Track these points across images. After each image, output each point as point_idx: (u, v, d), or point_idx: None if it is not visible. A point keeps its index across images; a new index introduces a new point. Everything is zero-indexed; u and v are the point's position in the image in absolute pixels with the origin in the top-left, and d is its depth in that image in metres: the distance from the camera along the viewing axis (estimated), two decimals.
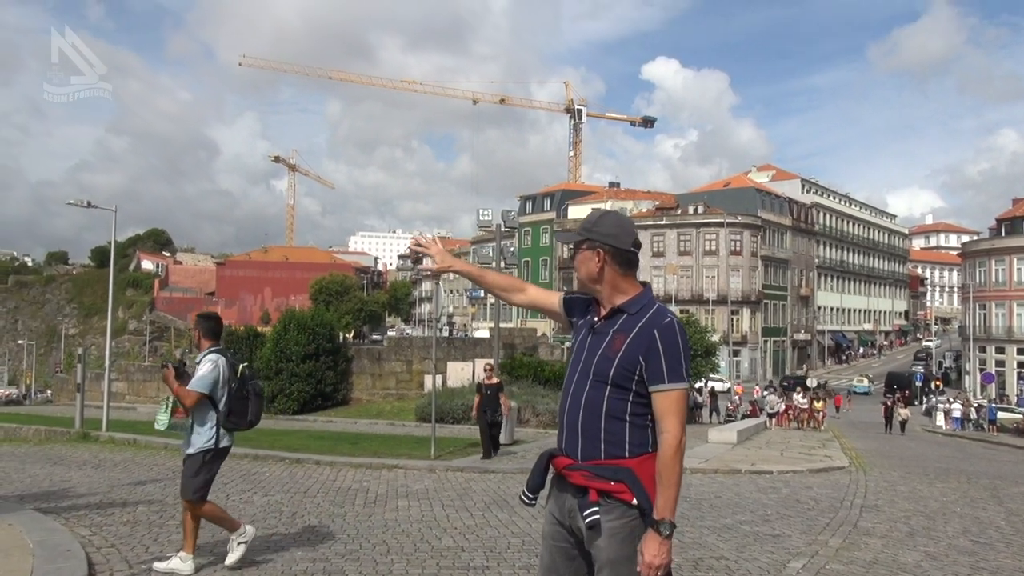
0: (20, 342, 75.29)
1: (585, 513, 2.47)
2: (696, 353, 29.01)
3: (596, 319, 2.65)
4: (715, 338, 40.18)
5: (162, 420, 5.42)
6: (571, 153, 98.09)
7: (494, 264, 20.88)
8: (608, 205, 69.17)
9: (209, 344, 5.33)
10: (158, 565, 5.29)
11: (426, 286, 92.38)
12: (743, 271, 63.60)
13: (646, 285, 2.68)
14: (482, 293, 67.11)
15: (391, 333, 65.79)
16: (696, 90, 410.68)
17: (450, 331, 75.72)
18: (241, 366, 5.31)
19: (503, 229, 20.72)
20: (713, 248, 63.44)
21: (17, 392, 55.85)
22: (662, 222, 64.64)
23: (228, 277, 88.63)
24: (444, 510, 8.24)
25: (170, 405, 5.39)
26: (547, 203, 71.44)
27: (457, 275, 3.11)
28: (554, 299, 2.91)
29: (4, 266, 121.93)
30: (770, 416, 29.92)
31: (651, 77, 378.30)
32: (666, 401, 2.46)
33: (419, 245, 3.05)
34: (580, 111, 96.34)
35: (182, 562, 5.26)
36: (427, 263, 3.00)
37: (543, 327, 65.36)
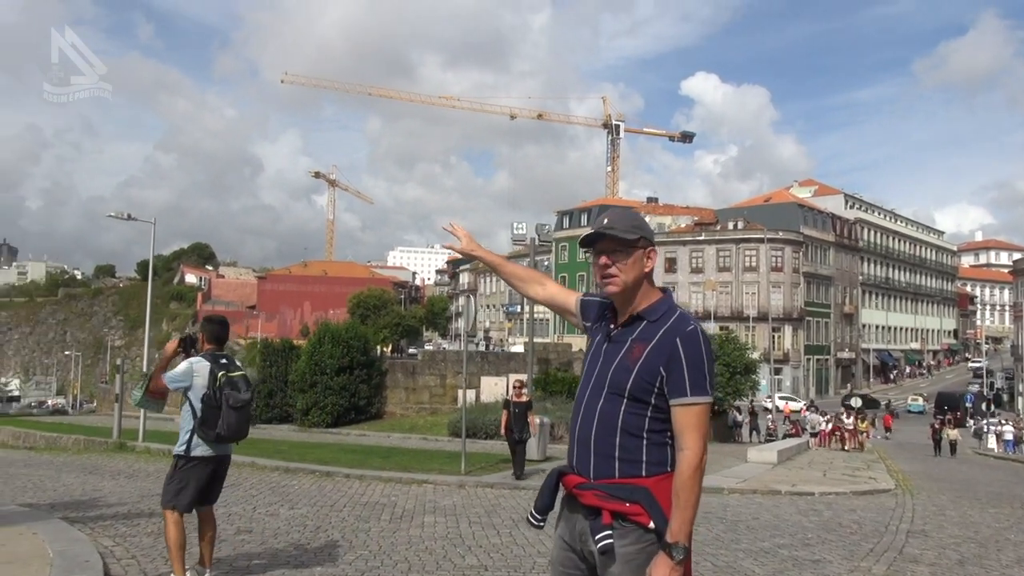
0: (67, 353, 77.18)
1: (597, 537, 2.27)
2: (735, 371, 28.43)
3: (613, 326, 2.46)
4: (755, 355, 39.41)
5: (136, 395, 5.38)
6: (609, 168, 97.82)
7: None
8: (647, 220, 68.64)
9: (209, 348, 5.12)
10: None
11: (462, 300, 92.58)
12: (784, 288, 62.45)
13: (666, 291, 2.49)
14: (519, 308, 66.94)
15: (428, 347, 65.91)
16: (736, 105, 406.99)
17: (486, 346, 75.65)
18: (220, 374, 4.94)
19: (537, 243, 20.51)
20: (753, 264, 62.44)
21: (64, 402, 57.11)
22: (701, 238, 63.89)
23: (269, 291, 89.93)
24: (471, 527, 8.05)
25: (146, 382, 5.29)
26: (584, 218, 71.03)
27: (482, 263, 2.96)
28: (571, 299, 2.72)
29: (54, 279, 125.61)
30: (812, 435, 29.15)
31: (690, 92, 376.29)
32: (687, 416, 2.26)
33: (451, 227, 2.98)
34: (618, 126, 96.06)
35: None
36: (454, 244, 2.92)
37: (579, 343, 65.06)
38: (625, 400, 2.31)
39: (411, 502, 9.74)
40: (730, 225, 64.85)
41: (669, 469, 2.29)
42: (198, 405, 4.91)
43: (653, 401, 2.30)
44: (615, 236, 2.41)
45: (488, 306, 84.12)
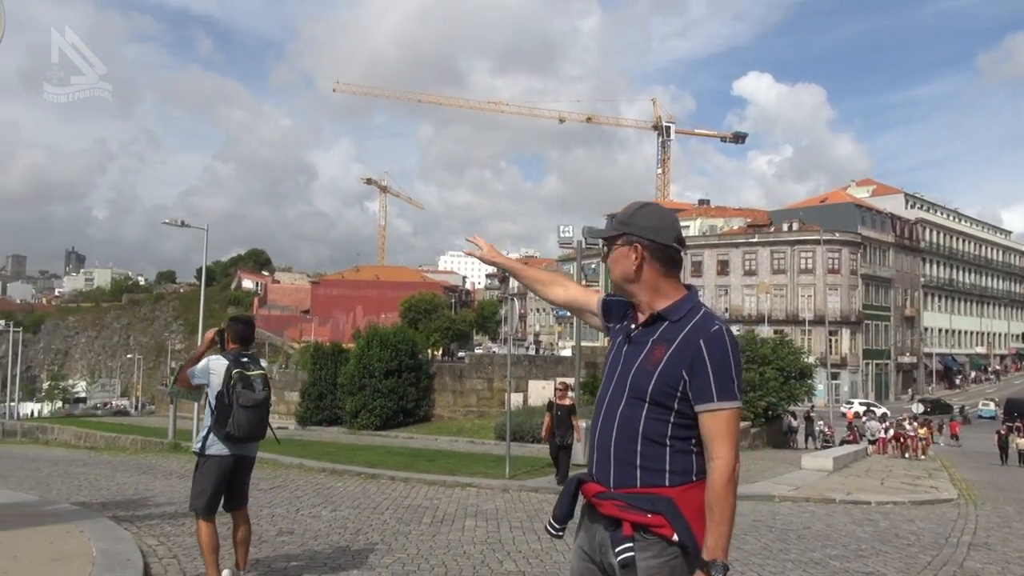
0: (129, 356, 79.72)
1: (618, 549, 2.16)
2: (789, 375, 27.71)
3: (633, 326, 2.34)
4: (811, 360, 38.39)
5: (174, 386, 5.57)
6: (659, 171, 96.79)
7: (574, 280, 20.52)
8: (698, 223, 67.76)
9: (234, 347, 5.08)
10: None
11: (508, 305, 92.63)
12: (842, 290, 60.80)
13: (691, 288, 2.36)
14: (568, 312, 66.57)
15: (478, 351, 66.13)
16: (790, 104, 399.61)
17: (536, 349, 75.45)
18: (235, 372, 4.89)
19: (584, 246, 20.32)
20: (809, 266, 60.95)
21: (127, 403, 58.95)
22: (754, 239, 62.68)
23: (322, 296, 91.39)
24: (511, 532, 7.95)
25: (178, 372, 5.39)
26: None
27: (503, 269, 2.96)
28: (593, 300, 2.60)
29: (119, 285, 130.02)
30: (871, 442, 28.24)
31: (743, 92, 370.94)
32: (715, 422, 2.13)
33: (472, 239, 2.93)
34: (668, 128, 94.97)
35: None
36: (474, 251, 2.86)
37: None
38: (647, 405, 2.20)
39: (453, 505, 9.69)
40: (784, 227, 63.47)
41: (695, 479, 2.17)
42: (213, 403, 4.91)
43: (676, 406, 2.18)
44: (600, 236, 2.38)
45: (537, 310, 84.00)
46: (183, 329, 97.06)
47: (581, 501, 2.34)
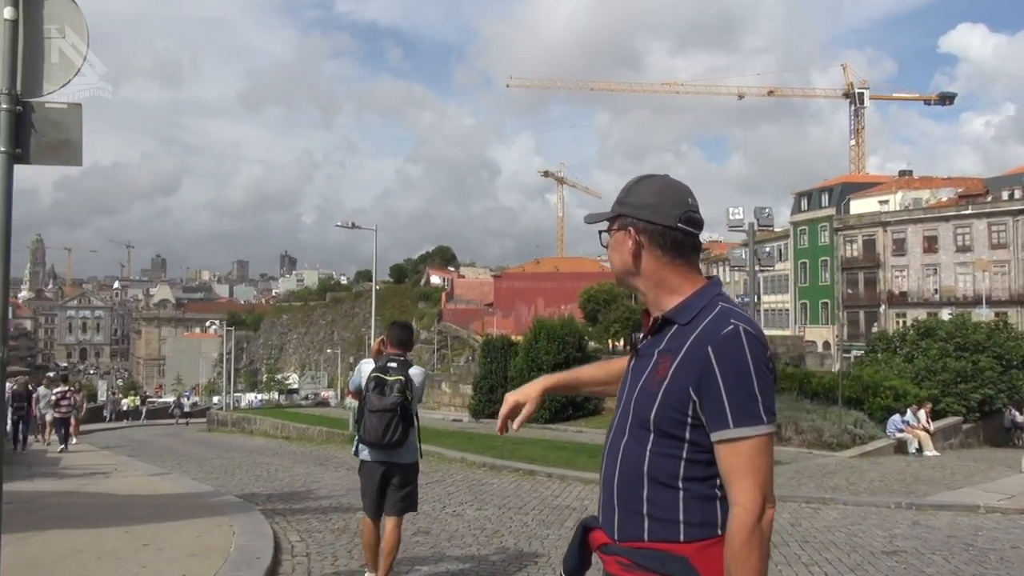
0: (328, 351, 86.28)
1: None
2: (1011, 364, 24.36)
3: (641, 335, 1.87)
4: None
5: (347, 399, 5.77)
6: (852, 142, 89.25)
7: (747, 268, 19.23)
8: (899, 196, 61.79)
9: (392, 351, 5.01)
10: None
11: None
12: None
13: (712, 279, 1.83)
14: (755, 298, 63.36)
15: None
16: (1011, 57, 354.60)
17: None
18: (373, 375, 4.83)
19: (757, 228, 18.94)
20: None
21: (329, 394, 63.82)
22: (967, 211, 56.00)
23: (504, 289, 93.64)
24: None
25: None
26: (825, 198, 65.49)
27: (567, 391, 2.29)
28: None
29: (323, 284, 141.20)
30: None
31: (952, 49, 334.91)
32: (733, 456, 1.62)
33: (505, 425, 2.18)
34: (861, 95, 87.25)
35: None
36: (518, 423, 2.14)
37: (823, 333, 60.02)
38: (652, 436, 1.71)
39: None
40: (1004, 195, 56.18)
41: (719, 532, 1.65)
42: (357, 406, 4.97)
43: (688, 436, 1.68)
44: (596, 220, 1.90)
45: None
46: (379, 324, 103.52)
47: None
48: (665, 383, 1.69)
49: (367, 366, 4.95)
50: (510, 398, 2.14)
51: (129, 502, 8.24)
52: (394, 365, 4.86)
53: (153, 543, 5.96)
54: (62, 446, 15.81)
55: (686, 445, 1.68)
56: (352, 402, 5.42)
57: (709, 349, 1.65)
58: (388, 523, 5.01)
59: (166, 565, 5.35)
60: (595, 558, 1.90)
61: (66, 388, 16.42)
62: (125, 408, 46.15)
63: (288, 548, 6.38)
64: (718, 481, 1.67)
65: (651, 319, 1.83)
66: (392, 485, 4.95)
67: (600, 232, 1.92)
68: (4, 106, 3.82)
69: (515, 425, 2.13)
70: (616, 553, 1.74)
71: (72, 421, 17.67)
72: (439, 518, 8.16)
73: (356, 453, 5.01)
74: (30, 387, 16.67)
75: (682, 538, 1.66)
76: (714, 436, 1.64)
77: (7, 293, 3.88)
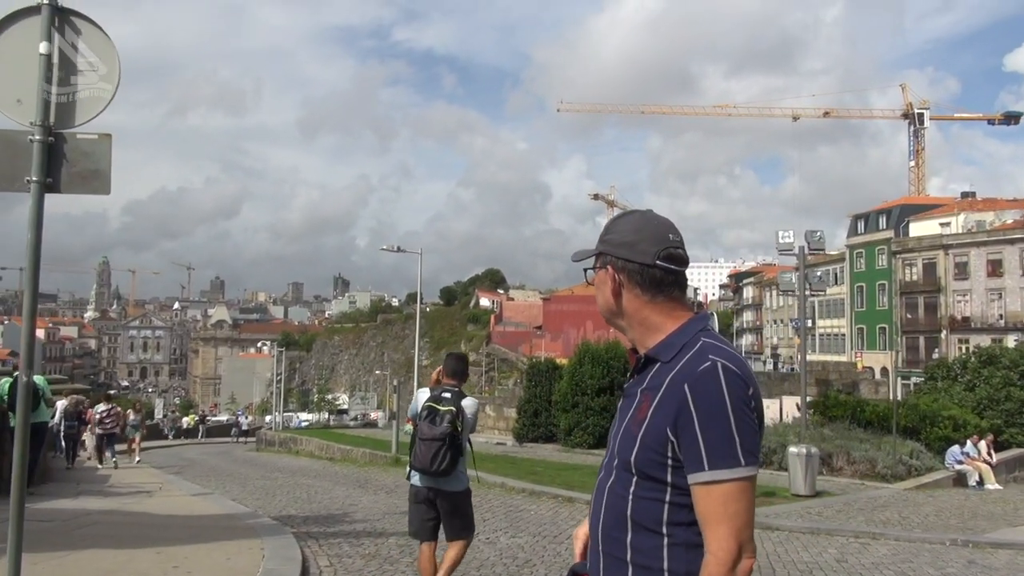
0: (378, 372, 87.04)
1: None
2: None
3: (628, 375, 1.81)
4: None
5: (407, 425, 5.93)
6: (912, 163, 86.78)
7: (797, 292, 18.76)
8: (961, 219, 59.87)
9: (447, 382, 5.21)
10: None
11: (747, 315, 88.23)
12: None
13: (698, 314, 1.75)
14: (809, 323, 61.84)
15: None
16: None
17: (775, 364, 70.94)
18: (426, 404, 5.02)
19: (807, 252, 18.50)
20: None
21: (378, 416, 64.26)
22: None
23: (553, 311, 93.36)
24: None
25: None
26: (882, 221, 63.77)
27: None
28: None
29: (375, 306, 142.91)
30: None
31: (1018, 67, 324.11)
32: (708, 500, 1.54)
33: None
34: (921, 115, 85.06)
35: None
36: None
37: (880, 359, 58.11)
38: (635, 478, 1.64)
39: None
40: None
41: None
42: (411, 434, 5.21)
43: (670, 479, 1.60)
44: (581, 258, 1.86)
45: (775, 321, 79.13)
46: (428, 346, 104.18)
47: None
48: (645, 424, 1.63)
49: (423, 395, 5.15)
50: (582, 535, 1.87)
51: (167, 522, 8.36)
52: (447, 395, 5.04)
53: (183, 565, 6.01)
54: (113, 460, 16.23)
55: (668, 488, 1.60)
56: (410, 428, 5.65)
57: (686, 387, 1.58)
58: (449, 547, 5.23)
59: None
60: None
61: (110, 406, 16.88)
62: (186, 426, 47.39)
63: (316, 573, 6.37)
64: None
65: (636, 358, 1.77)
66: (442, 511, 5.12)
67: (585, 270, 1.87)
68: (38, 137, 3.95)
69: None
70: None
71: (135, 439, 18.05)
72: (472, 545, 8.05)
73: (408, 478, 5.22)
74: (81, 407, 17.12)
75: None
76: (690, 479, 1.56)
77: (34, 317, 3.97)
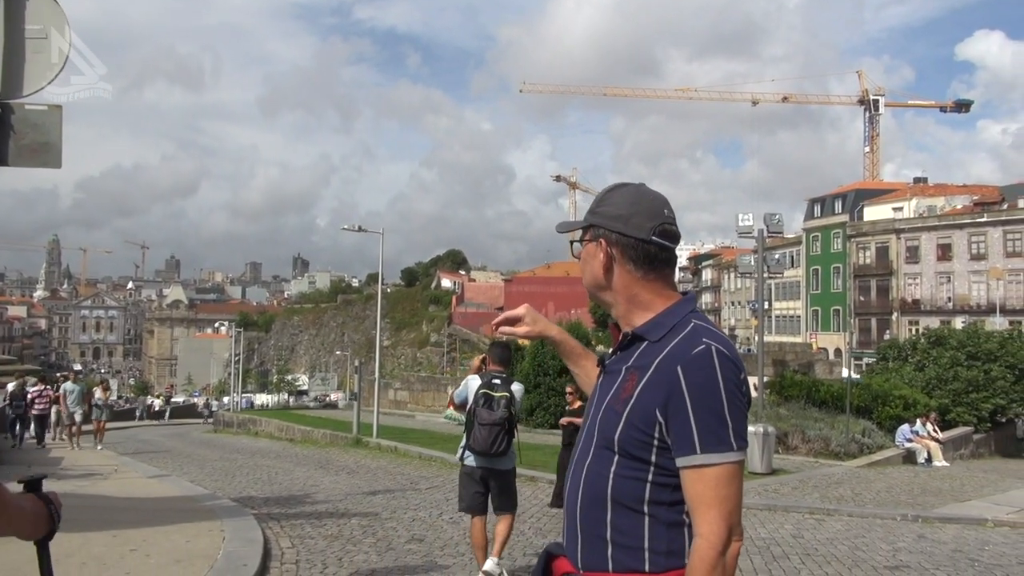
0: (338, 352, 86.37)
1: None
2: (1020, 377, 24.04)
3: (611, 350, 1.78)
4: None
5: (448, 410, 6.35)
6: (867, 149, 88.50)
7: (756, 274, 19.02)
8: (913, 203, 61.28)
9: (494, 368, 5.54)
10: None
11: (706, 297, 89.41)
12: None
13: (686, 295, 1.73)
14: (766, 305, 62.90)
15: None
16: None
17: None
18: (481, 391, 5.36)
19: (766, 235, 18.77)
20: None
21: (338, 397, 63.83)
22: (982, 219, 55.44)
23: (515, 293, 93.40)
24: None
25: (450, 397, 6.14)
26: (838, 205, 65.01)
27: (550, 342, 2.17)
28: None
29: (335, 287, 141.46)
30: None
31: (969, 56, 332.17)
32: (698, 484, 1.52)
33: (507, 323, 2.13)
34: (876, 101, 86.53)
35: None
36: (516, 330, 2.10)
37: (834, 340, 59.44)
38: (616, 456, 1.61)
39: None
40: (1020, 203, 55.61)
41: (686, 562, 1.55)
42: (466, 418, 5.50)
43: (654, 459, 1.58)
44: (567, 229, 1.81)
45: (733, 303, 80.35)
46: (389, 327, 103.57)
47: None
48: (631, 402, 1.60)
49: (474, 382, 5.50)
50: (524, 312, 2.13)
51: (123, 505, 8.20)
52: (498, 382, 5.41)
53: (140, 548, 5.90)
54: (42, 444, 16.13)
55: (652, 468, 1.58)
56: (452, 412, 6.13)
57: (679, 368, 1.55)
58: (499, 521, 5.65)
59: (151, 571, 5.29)
60: None
61: (42, 387, 16.58)
62: (158, 408, 46.17)
63: (278, 555, 6.30)
64: (686, 507, 1.57)
65: (620, 334, 1.75)
66: (492, 489, 5.56)
67: (571, 242, 1.84)
68: None
69: (504, 328, 2.12)
70: None
71: (102, 422, 17.01)
72: (435, 525, 8.08)
73: (461, 459, 5.58)
74: (27, 388, 16.67)
75: (647, 568, 1.57)
76: (679, 461, 1.54)
77: None
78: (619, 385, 1.65)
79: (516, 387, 5.50)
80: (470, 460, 5.49)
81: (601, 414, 1.67)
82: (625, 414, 1.60)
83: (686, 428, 1.53)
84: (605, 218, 1.71)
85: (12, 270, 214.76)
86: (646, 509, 1.59)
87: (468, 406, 5.44)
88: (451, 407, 6.08)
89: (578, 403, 10.19)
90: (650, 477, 1.59)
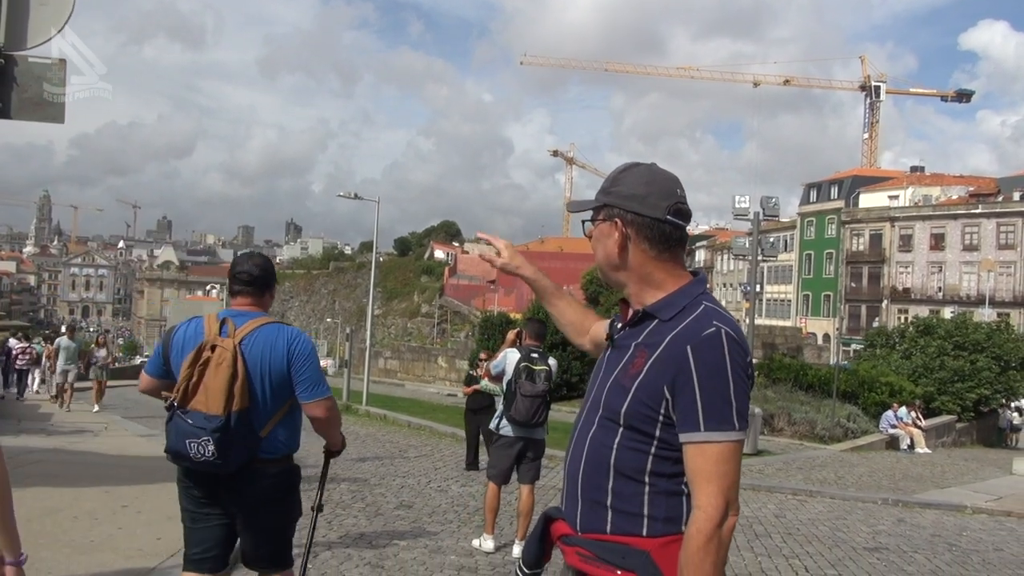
0: (328, 320, 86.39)
1: None
2: (1008, 365, 24.30)
3: (619, 325, 1.81)
4: None
5: (483, 381, 6.65)
6: (866, 135, 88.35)
7: (750, 258, 19.10)
8: (909, 192, 61.38)
9: (530, 343, 5.74)
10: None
11: None
12: None
13: (697, 274, 1.77)
14: (758, 288, 63.12)
15: None
16: None
17: None
18: (523, 365, 5.49)
19: (762, 218, 18.81)
20: None
21: (330, 363, 63.96)
22: (977, 210, 55.62)
23: None
24: None
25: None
26: (834, 191, 65.02)
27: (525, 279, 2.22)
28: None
29: (328, 253, 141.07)
30: None
31: (972, 46, 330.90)
32: (700, 459, 1.58)
33: (487, 238, 2.26)
34: (877, 88, 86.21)
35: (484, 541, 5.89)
36: (493, 259, 2.19)
37: (824, 326, 59.85)
38: (621, 429, 1.67)
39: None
40: (1016, 195, 55.80)
41: (683, 529, 1.62)
42: (505, 390, 5.62)
43: (658, 433, 1.64)
44: (581, 208, 1.84)
45: (725, 284, 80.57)
46: (380, 296, 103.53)
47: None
48: (639, 378, 1.65)
49: (513, 355, 5.63)
50: (504, 247, 2.17)
51: (114, 462, 8.25)
52: (536, 356, 5.61)
53: (132, 504, 5.96)
54: (22, 397, 16.31)
55: (655, 442, 1.65)
56: (487, 383, 6.51)
57: (688, 348, 1.60)
58: (523, 490, 5.74)
59: (142, 527, 5.35)
60: (556, 550, 1.87)
61: (25, 344, 16.64)
62: None
63: None
64: (683, 479, 1.64)
65: (630, 310, 1.78)
66: (527, 458, 5.74)
67: (583, 221, 1.87)
68: None
69: (485, 255, 2.22)
70: (577, 544, 1.71)
71: (103, 380, 15.45)
72: (423, 492, 8.17)
73: (497, 428, 5.77)
74: (8, 344, 16.68)
75: (645, 532, 1.64)
76: (683, 437, 1.60)
77: None
78: (628, 361, 1.70)
79: (552, 361, 5.73)
80: (507, 430, 5.65)
81: (608, 387, 1.72)
82: (633, 389, 1.65)
83: (692, 406, 1.58)
84: (620, 198, 1.74)
85: (2, 224, 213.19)
86: (647, 479, 1.65)
87: (507, 378, 5.56)
88: (486, 378, 6.33)
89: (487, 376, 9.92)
90: (653, 450, 1.65)
